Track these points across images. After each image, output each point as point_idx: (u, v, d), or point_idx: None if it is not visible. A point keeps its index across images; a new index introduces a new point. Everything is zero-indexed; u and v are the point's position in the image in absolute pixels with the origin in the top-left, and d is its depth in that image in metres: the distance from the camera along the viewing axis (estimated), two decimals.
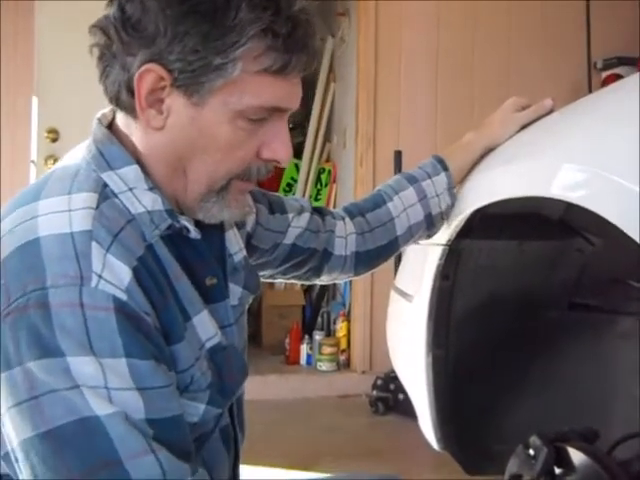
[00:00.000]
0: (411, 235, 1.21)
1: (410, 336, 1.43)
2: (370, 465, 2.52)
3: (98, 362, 0.70)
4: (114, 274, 0.74)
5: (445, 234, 1.26)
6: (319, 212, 1.17)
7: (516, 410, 1.37)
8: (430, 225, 1.21)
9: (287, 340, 3.81)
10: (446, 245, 1.27)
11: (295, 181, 4.28)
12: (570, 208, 1.23)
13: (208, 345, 0.85)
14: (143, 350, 0.73)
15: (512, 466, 1.09)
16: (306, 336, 3.80)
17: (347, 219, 1.18)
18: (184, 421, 0.78)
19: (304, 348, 3.75)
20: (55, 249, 0.73)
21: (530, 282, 1.35)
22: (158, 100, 0.80)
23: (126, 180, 0.82)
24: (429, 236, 1.26)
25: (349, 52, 3.82)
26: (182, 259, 0.84)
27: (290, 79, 0.81)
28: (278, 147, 0.85)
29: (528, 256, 1.31)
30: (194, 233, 0.85)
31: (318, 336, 3.73)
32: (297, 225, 1.12)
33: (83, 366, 0.70)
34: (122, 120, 0.85)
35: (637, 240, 0.75)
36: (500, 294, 1.34)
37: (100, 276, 0.73)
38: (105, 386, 0.70)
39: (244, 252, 0.99)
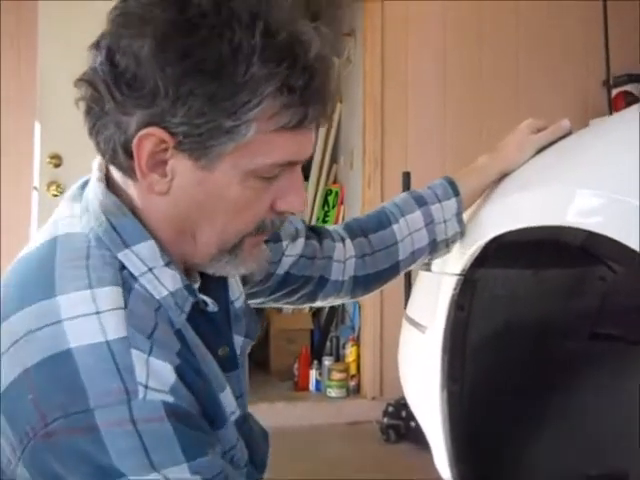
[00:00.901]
0: (413, 260, 1.15)
1: (423, 369, 1.36)
2: None
3: (162, 476, 0.67)
4: (159, 378, 0.70)
5: (459, 263, 1.20)
6: (317, 234, 1.11)
7: (535, 446, 1.30)
8: (433, 251, 1.16)
9: (296, 365, 3.75)
10: (461, 275, 1.21)
11: None
12: (592, 235, 1.17)
13: (232, 419, 0.82)
14: (200, 447, 0.71)
15: None
16: (315, 361, 3.73)
17: (347, 240, 1.11)
18: None
19: (313, 374, 3.68)
20: (93, 363, 0.68)
21: (548, 311, 1.29)
22: (161, 162, 0.75)
23: (144, 258, 0.77)
24: (428, 261, 1.21)
25: (355, 72, 3.79)
26: (197, 331, 0.80)
27: (306, 132, 0.76)
28: (293, 199, 0.80)
29: (546, 285, 1.24)
30: (212, 307, 0.82)
31: (327, 361, 3.66)
32: (291, 253, 1.06)
33: None
34: (119, 176, 0.79)
35: None
36: (517, 324, 1.27)
37: (146, 386, 0.69)
38: None
39: (243, 295, 0.94)
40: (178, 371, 0.71)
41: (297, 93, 0.72)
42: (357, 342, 3.67)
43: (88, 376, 0.67)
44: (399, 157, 3.47)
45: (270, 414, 3.35)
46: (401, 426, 3.04)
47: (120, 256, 0.76)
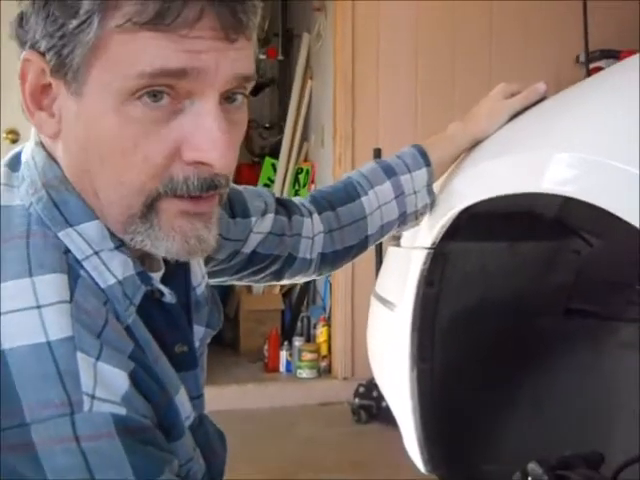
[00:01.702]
0: (382, 234, 1.08)
1: (392, 348, 1.31)
2: (351, 477, 2.41)
3: None
4: (109, 387, 0.60)
5: (429, 236, 1.14)
6: (285, 208, 1.02)
7: (508, 426, 1.25)
8: (402, 224, 1.10)
9: (266, 346, 3.70)
10: (430, 248, 1.15)
11: (272, 182, 4.15)
12: (566, 205, 1.13)
13: (186, 425, 0.72)
14: (155, 465, 0.62)
15: None
16: (285, 342, 3.69)
17: (315, 215, 1.03)
18: None
19: (283, 355, 3.63)
20: (30, 369, 0.58)
21: (523, 287, 1.24)
22: (46, 96, 0.65)
23: (90, 240, 0.66)
24: (397, 235, 1.14)
25: (326, 48, 3.71)
26: (149, 325, 0.69)
27: (179, 32, 0.60)
28: (202, 142, 0.62)
29: (520, 258, 1.19)
30: (169, 297, 0.71)
31: (298, 342, 3.61)
32: (259, 230, 0.97)
33: None
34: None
35: None
36: (490, 300, 1.22)
37: (93, 396, 0.59)
38: None
39: (206, 279, 0.84)
40: (132, 377, 0.62)
41: None
42: (328, 322, 3.63)
43: (24, 384, 0.58)
44: (370, 134, 3.41)
45: (240, 396, 3.31)
46: (372, 406, 3.01)
47: (61, 236, 0.66)
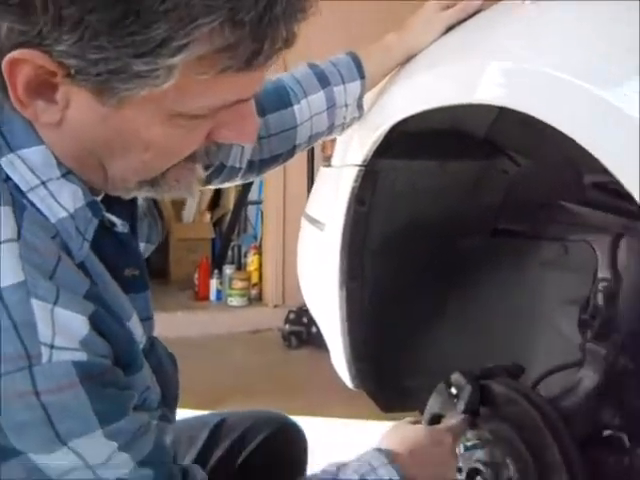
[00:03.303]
0: (308, 144, 1.06)
1: (322, 268, 1.31)
2: (282, 401, 2.44)
3: (70, 450, 0.57)
4: (67, 334, 0.56)
5: (360, 153, 1.13)
6: None
7: (434, 344, 1.28)
8: (328, 135, 1.08)
9: (196, 275, 3.68)
10: (361, 166, 1.14)
11: None
12: (495, 124, 1.13)
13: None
14: (118, 407, 0.61)
15: (433, 405, 1.00)
16: (216, 270, 3.67)
17: None
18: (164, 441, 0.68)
19: (214, 283, 3.62)
20: None
21: (452, 206, 1.25)
22: (46, 87, 0.57)
23: (34, 167, 0.60)
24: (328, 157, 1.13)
25: None
26: (100, 254, 0.65)
27: (257, 71, 0.59)
28: (240, 132, 0.64)
29: (450, 177, 1.19)
30: (121, 227, 0.68)
31: (228, 270, 3.60)
32: None
33: (54, 462, 0.57)
34: None
35: (576, 139, 0.64)
36: (420, 220, 1.23)
37: (52, 346, 0.56)
38: (87, 466, 0.59)
39: None
40: (92, 320, 0.58)
41: (247, 28, 0.54)
42: (259, 250, 3.63)
43: None
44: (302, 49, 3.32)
45: (170, 324, 3.28)
46: (303, 332, 3.05)
47: (3, 163, 0.60)
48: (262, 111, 0.98)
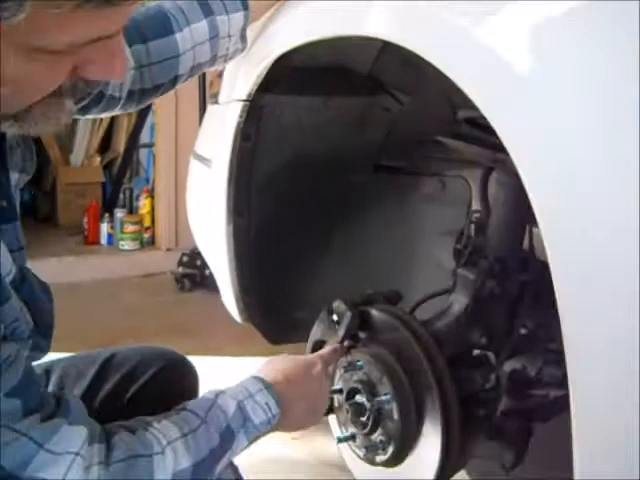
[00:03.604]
0: (190, 75, 1.05)
1: (210, 205, 1.32)
2: (175, 342, 2.43)
3: None
4: None
5: (245, 88, 1.13)
6: None
7: (319, 276, 1.33)
8: (210, 66, 1.07)
9: (85, 220, 3.58)
10: (246, 101, 1.14)
11: None
12: (379, 61, 1.15)
13: (7, 280, 0.67)
14: None
15: (315, 332, 1.04)
16: (106, 214, 3.58)
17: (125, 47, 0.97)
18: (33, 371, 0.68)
19: (104, 227, 3.54)
20: None
21: (336, 143, 1.27)
22: None
23: None
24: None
25: None
26: None
27: (121, 3, 0.57)
28: (105, 68, 0.62)
29: (334, 114, 1.22)
30: None
31: (119, 214, 3.52)
32: None
33: None
34: None
35: (450, 76, 0.68)
36: (305, 155, 1.25)
37: None
38: None
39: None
40: None
41: None
42: (151, 194, 3.56)
43: None
44: None
45: (60, 269, 3.20)
46: (196, 275, 3.04)
47: None
48: (143, 38, 0.96)
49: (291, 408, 0.82)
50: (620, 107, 0.56)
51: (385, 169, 1.32)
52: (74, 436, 0.66)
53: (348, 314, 0.98)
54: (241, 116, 1.16)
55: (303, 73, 1.12)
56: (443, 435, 0.90)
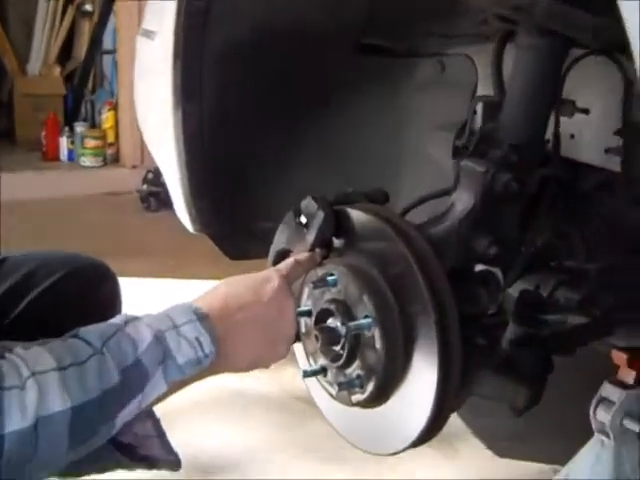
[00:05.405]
0: None
1: (153, 87, 1.08)
2: (139, 262, 2.25)
3: None
4: None
5: None
6: None
7: (289, 177, 1.09)
8: None
9: (43, 134, 3.33)
10: None
11: None
12: None
13: None
14: None
15: (279, 240, 0.82)
16: (66, 128, 3.33)
17: None
18: None
19: (64, 142, 3.30)
20: None
21: (310, 14, 1.03)
22: None
23: None
24: None
25: None
26: None
27: None
28: None
29: None
30: None
31: (80, 128, 3.28)
32: None
33: None
34: None
35: None
36: (272, 26, 1.01)
37: None
38: None
39: None
40: None
41: None
42: (115, 106, 3.30)
43: None
44: None
45: (16, 185, 2.97)
46: (161, 193, 2.82)
47: None
48: None
49: (235, 343, 0.61)
50: None
51: (370, 49, 1.08)
52: None
53: (320, 214, 0.75)
54: None
55: None
56: (440, 368, 0.69)
